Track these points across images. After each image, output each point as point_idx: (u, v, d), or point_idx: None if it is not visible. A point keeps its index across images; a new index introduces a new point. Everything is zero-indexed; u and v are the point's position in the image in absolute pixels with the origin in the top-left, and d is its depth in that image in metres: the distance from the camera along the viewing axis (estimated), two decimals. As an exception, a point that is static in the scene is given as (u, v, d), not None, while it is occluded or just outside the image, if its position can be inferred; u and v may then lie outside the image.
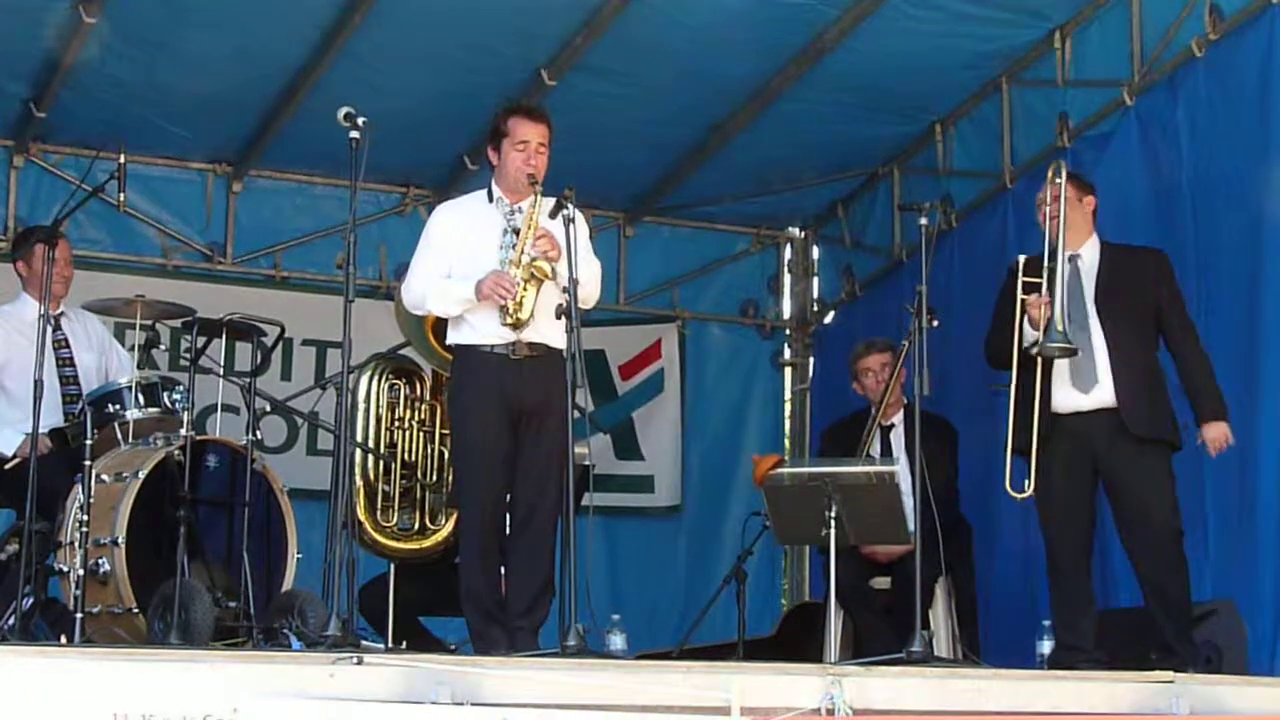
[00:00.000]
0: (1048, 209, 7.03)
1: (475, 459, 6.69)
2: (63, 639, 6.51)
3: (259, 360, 7.54)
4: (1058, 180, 7.00)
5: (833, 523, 6.96)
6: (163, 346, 7.67)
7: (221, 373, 7.66)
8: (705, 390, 11.27)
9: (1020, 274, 6.93)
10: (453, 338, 6.83)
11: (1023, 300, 6.86)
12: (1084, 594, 6.89)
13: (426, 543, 8.09)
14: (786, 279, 11.63)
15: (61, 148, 9.66)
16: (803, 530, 7.45)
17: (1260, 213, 7.53)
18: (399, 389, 8.10)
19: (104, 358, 7.97)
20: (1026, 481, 6.88)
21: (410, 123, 9.09)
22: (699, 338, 11.31)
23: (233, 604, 6.92)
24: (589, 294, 6.64)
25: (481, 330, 6.67)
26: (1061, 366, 6.89)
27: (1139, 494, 6.84)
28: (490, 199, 6.83)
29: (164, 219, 10.09)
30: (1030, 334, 6.88)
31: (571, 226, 6.39)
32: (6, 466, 7.39)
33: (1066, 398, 6.90)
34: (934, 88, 9.46)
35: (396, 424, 8.07)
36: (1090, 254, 7.07)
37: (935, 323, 7.01)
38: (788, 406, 11.64)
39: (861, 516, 7.06)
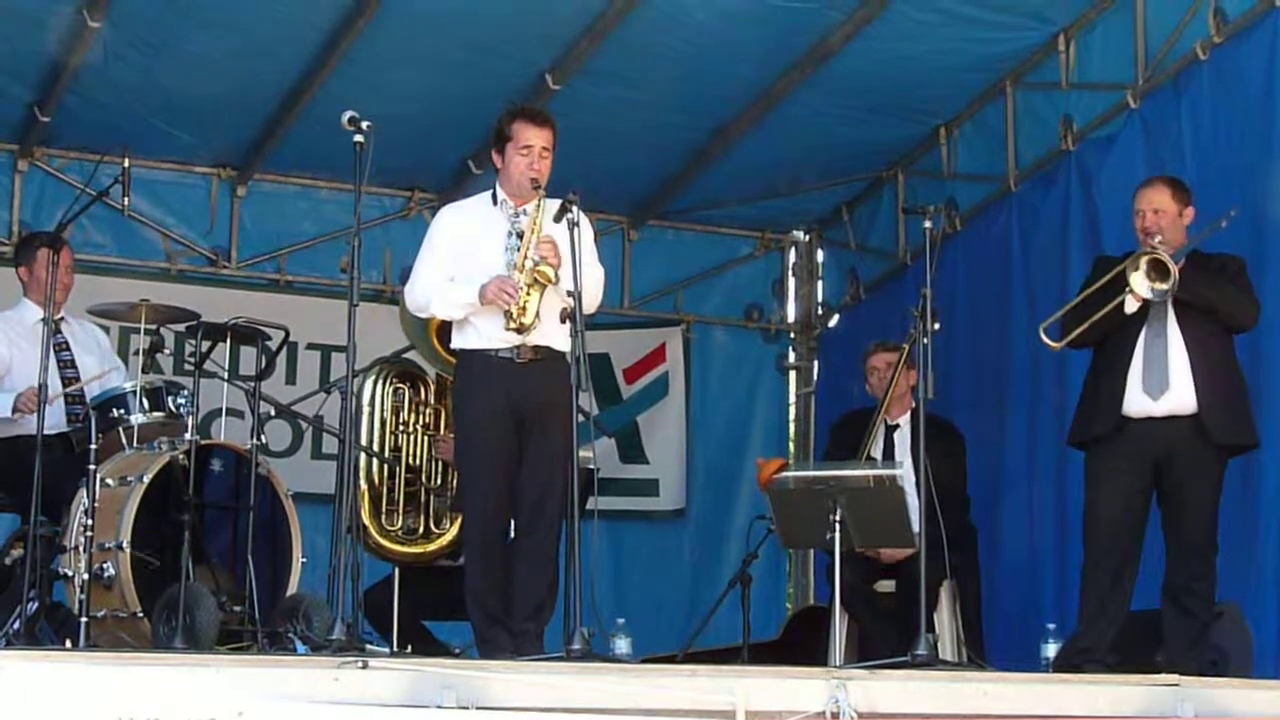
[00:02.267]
0: (1148, 220, 6.98)
1: (479, 463, 6.69)
2: (67, 643, 6.50)
3: (263, 364, 7.55)
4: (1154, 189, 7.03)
5: (837, 526, 6.96)
6: (167, 351, 7.63)
7: (226, 377, 7.67)
8: (710, 394, 11.28)
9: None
10: (457, 342, 6.83)
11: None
12: (1110, 597, 6.85)
13: (431, 546, 8.09)
14: (791, 282, 11.63)
15: (66, 152, 9.68)
16: (807, 533, 7.46)
17: (1263, 215, 7.52)
18: (404, 393, 8.10)
19: (105, 362, 7.97)
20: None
21: (414, 126, 9.10)
22: (703, 341, 11.32)
23: (237, 608, 6.92)
24: (590, 301, 6.61)
25: (486, 334, 6.66)
26: (1135, 368, 6.87)
27: (1190, 506, 6.81)
28: (495, 202, 6.82)
29: (168, 223, 10.10)
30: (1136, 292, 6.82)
31: (575, 230, 6.39)
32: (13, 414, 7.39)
33: (1137, 402, 6.87)
34: (938, 91, 9.47)
35: (401, 428, 8.07)
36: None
37: (937, 325, 7.00)
38: (792, 410, 11.64)
39: (866, 519, 7.05)
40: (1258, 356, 7.41)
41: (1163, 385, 6.83)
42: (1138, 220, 7.02)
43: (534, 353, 6.61)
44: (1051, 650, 7.45)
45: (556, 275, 6.49)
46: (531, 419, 6.61)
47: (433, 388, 8.12)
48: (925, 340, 6.80)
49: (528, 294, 6.54)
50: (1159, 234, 6.91)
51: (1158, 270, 6.80)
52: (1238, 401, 6.90)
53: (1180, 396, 6.82)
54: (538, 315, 6.54)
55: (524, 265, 6.57)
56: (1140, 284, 6.79)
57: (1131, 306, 6.87)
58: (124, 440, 7.25)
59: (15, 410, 7.39)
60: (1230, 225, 7.11)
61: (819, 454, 10.59)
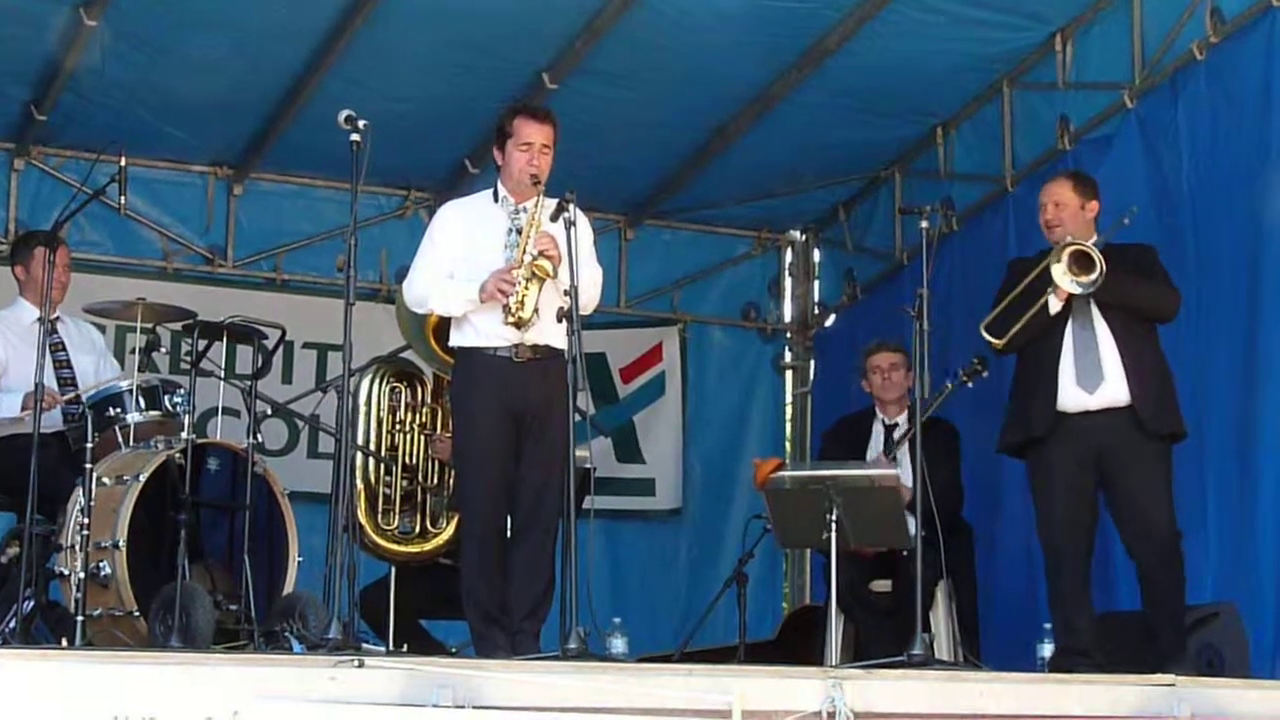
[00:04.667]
0: (1049, 213, 7.04)
1: (477, 461, 6.69)
2: (64, 642, 6.50)
3: (260, 363, 7.53)
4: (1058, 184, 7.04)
5: (834, 526, 6.96)
6: (163, 349, 7.65)
7: (222, 376, 7.66)
8: (706, 393, 11.27)
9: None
10: (456, 340, 6.83)
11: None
12: (1083, 596, 6.87)
13: (427, 546, 8.09)
14: (788, 282, 11.63)
15: (62, 151, 9.67)
16: (804, 533, 7.45)
17: (1260, 216, 7.53)
18: (400, 392, 8.10)
19: (101, 361, 7.97)
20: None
21: (411, 125, 9.10)
22: (700, 341, 11.32)
23: (234, 607, 6.91)
24: (589, 300, 6.62)
25: (485, 332, 6.66)
26: (1066, 364, 6.88)
27: (1141, 494, 6.82)
28: (496, 198, 6.83)
29: (165, 222, 10.10)
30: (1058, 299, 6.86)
31: (572, 229, 6.39)
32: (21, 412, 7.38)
33: (1072, 397, 6.89)
34: (935, 91, 9.47)
35: (397, 427, 8.08)
36: None
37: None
38: (789, 409, 11.64)
39: (862, 519, 7.05)
40: (1255, 355, 7.42)
41: (1097, 378, 6.84)
42: (1040, 215, 7.07)
43: (533, 351, 6.62)
44: (1048, 650, 7.44)
45: (555, 270, 6.50)
46: (530, 418, 6.61)
47: (429, 387, 8.13)
48: (923, 338, 6.81)
49: (526, 288, 6.54)
50: (1059, 226, 6.97)
51: (1079, 263, 6.81)
52: (1167, 392, 6.92)
53: (1114, 389, 6.85)
54: (536, 311, 6.54)
55: (523, 260, 6.58)
56: (1062, 277, 6.81)
57: (1055, 306, 6.90)
58: (120, 439, 7.24)
59: (24, 409, 7.38)
60: (1226, 227, 7.13)
61: (813, 458, 10.59)
